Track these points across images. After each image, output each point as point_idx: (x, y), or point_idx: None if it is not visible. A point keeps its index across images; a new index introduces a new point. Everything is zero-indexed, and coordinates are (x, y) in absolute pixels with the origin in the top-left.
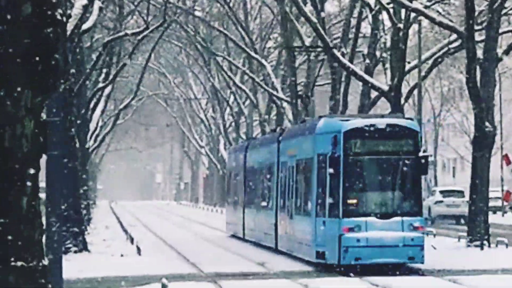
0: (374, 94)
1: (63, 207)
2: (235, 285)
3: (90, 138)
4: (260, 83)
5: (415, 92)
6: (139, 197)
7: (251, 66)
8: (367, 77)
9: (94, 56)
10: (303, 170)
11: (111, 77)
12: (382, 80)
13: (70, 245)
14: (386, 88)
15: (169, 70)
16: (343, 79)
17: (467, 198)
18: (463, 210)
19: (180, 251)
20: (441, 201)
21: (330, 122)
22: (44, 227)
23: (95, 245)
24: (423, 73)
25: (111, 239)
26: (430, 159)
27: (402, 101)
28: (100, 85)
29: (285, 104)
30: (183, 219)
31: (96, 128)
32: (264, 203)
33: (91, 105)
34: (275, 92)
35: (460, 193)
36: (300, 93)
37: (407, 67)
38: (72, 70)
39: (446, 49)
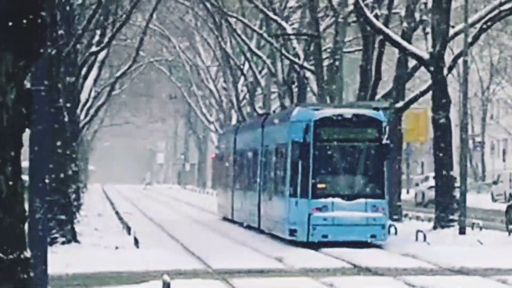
0: (412, 63)
1: (48, 190)
2: (249, 284)
3: (81, 110)
4: (279, 49)
5: (460, 61)
6: (137, 180)
7: (269, 29)
8: (404, 43)
9: (86, 15)
10: (280, 155)
11: (106, 40)
12: (422, 47)
13: (56, 235)
14: (426, 56)
15: (174, 33)
16: (376, 45)
17: (458, 184)
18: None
19: (184, 243)
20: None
21: (303, 111)
22: (27, 214)
23: (85, 236)
24: (469, 39)
25: (104, 229)
26: (477, 139)
27: (445, 71)
28: (93, 49)
29: (308, 74)
30: (188, 206)
31: (88, 100)
32: (249, 186)
33: (83, 73)
34: (297, 60)
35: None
36: (326, 61)
37: (451, 32)
38: (61, 31)
39: (497, 11)
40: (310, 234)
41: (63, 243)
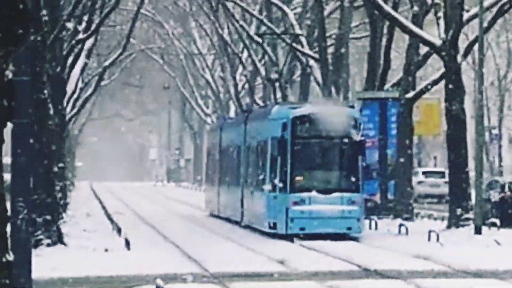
0: (423, 50)
1: (32, 189)
2: None
3: (68, 102)
4: (280, 35)
5: (475, 48)
6: (128, 177)
7: (269, 14)
8: (415, 28)
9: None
10: (261, 151)
11: (93, 26)
12: (434, 32)
13: (41, 237)
14: (438, 42)
15: (167, 18)
16: (384, 31)
17: (447, 179)
18: (443, 190)
19: (178, 244)
20: (423, 182)
21: (281, 109)
22: (9, 214)
23: (72, 237)
24: (485, 24)
25: (93, 230)
26: (494, 132)
27: (459, 59)
28: (80, 36)
29: (312, 62)
30: (182, 205)
31: (74, 91)
32: (233, 182)
33: (69, 62)
34: (299, 47)
35: (441, 174)
36: (331, 48)
37: (466, 16)
38: (45, 17)
39: None
40: (288, 226)
41: (48, 245)
